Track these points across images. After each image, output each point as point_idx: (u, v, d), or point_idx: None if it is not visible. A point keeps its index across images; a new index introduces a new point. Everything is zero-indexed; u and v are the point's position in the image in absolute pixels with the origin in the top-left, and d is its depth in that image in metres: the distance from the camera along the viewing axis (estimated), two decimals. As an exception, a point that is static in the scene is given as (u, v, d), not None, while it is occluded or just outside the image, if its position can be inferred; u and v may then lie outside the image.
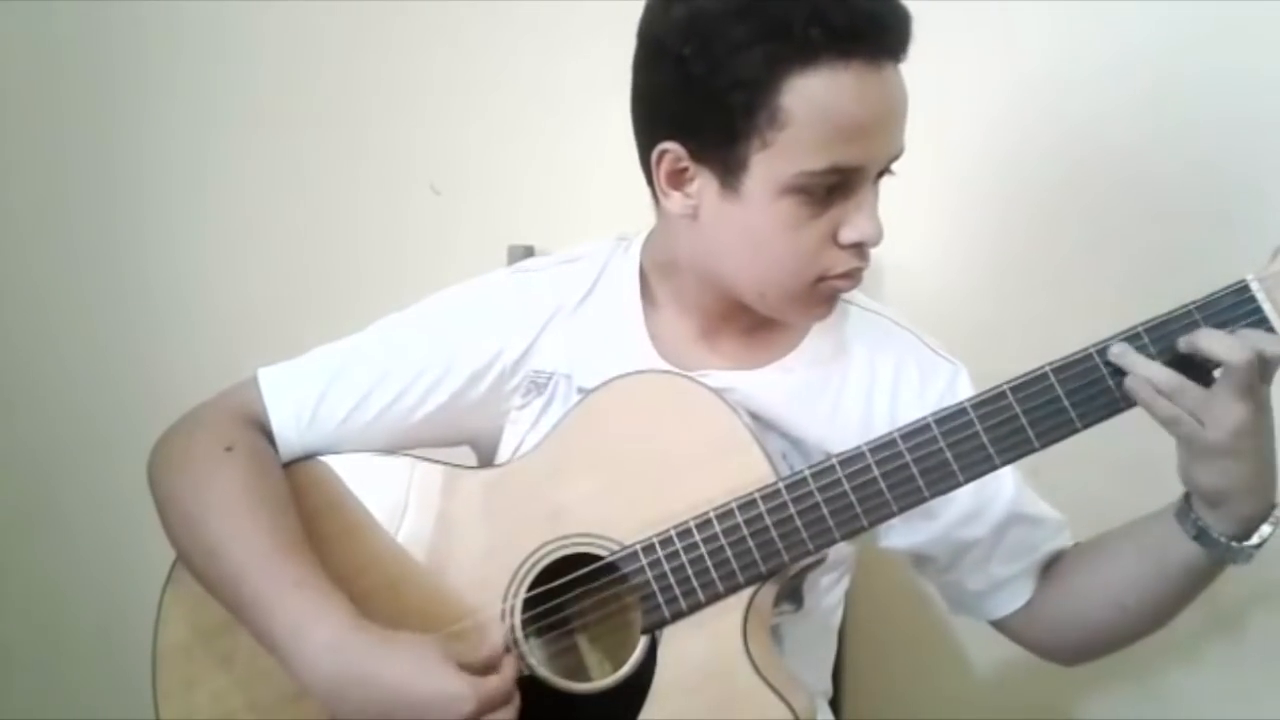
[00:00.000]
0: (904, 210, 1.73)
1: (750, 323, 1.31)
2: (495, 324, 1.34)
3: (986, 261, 1.77)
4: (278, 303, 2.05)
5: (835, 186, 1.16)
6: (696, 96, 1.16)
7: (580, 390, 1.30)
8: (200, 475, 1.26)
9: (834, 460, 1.16)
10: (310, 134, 2.03)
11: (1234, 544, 1.16)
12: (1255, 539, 1.16)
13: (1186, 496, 1.19)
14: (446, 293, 1.38)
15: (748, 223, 1.19)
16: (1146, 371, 1.11)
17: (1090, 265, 1.69)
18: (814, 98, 1.12)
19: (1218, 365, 1.10)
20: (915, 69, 1.71)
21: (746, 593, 1.17)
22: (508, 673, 1.17)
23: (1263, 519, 1.15)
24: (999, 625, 1.37)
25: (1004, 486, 1.30)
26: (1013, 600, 1.34)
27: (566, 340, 1.33)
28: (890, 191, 1.70)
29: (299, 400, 1.32)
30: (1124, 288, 1.62)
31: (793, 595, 1.32)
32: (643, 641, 1.19)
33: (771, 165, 1.15)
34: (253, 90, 2.05)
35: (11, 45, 2.13)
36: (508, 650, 1.21)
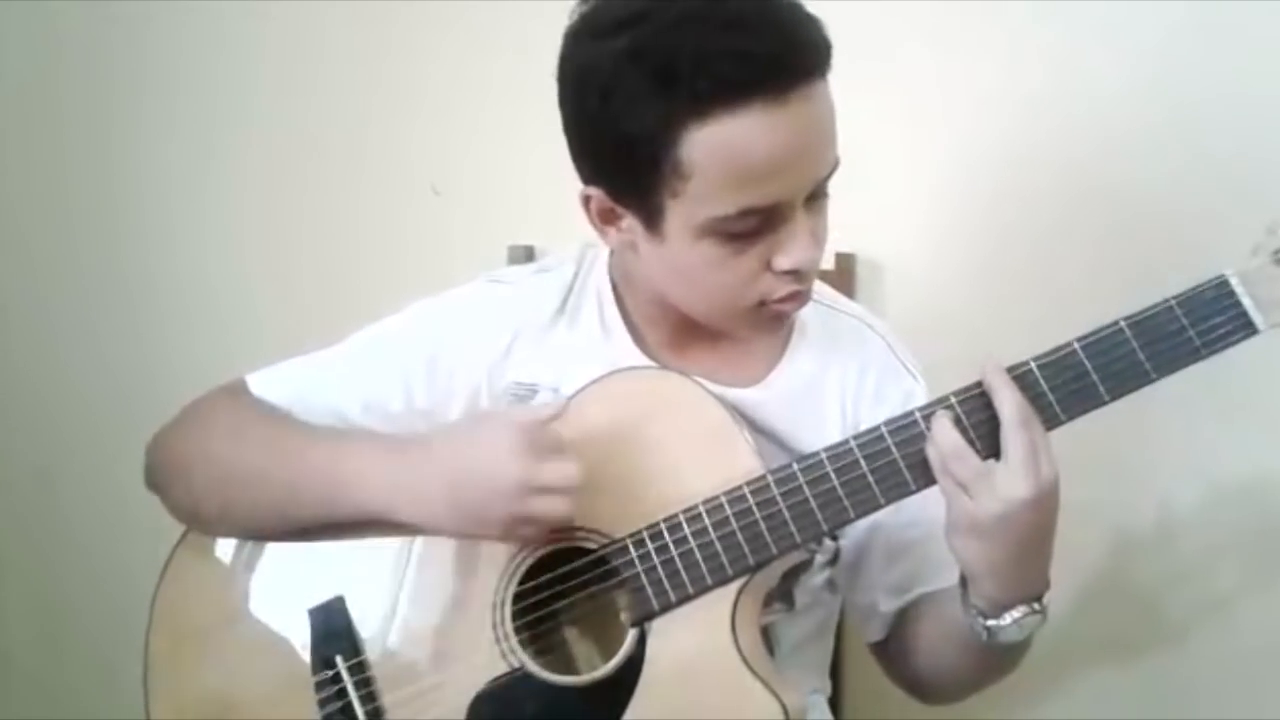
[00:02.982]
0: (904, 210, 1.75)
1: (718, 334, 1.30)
2: (470, 332, 1.35)
3: (985, 261, 1.76)
4: (278, 303, 2.06)
5: (758, 222, 1.15)
6: (604, 147, 1.16)
7: None
8: (216, 418, 1.31)
9: (822, 454, 1.16)
10: (310, 134, 2.04)
11: (978, 620, 1.16)
12: (1005, 620, 1.14)
13: None
14: (422, 303, 1.39)
15: (675, 261, 1.20)
16: (937, 435, 1.12)
17: (1089, 266, 1.69)
18: (714, 149, 1.10)
19: None
20: (918, 70, 1.72)
21: (735, 585, 1.17)
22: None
23: (1009, 605, 1.14)
24: (870, 648, 1.39)
25: (923, 504, 1.23)
26: (872, 633, 1.36)
27: (546, 352, 1.34)
28: (891, 191, 1.71)
29: (287, 401, 1.33)
30: (1122, 287, 1.59)
31: (784, 596, 1.31)
32: (632, 634, 1.19)
33: (685, 211, 1.14)
34: (253, 90, 2.06)
35: (11, 45, 2.14)
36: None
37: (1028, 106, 1.71)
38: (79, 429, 2.18)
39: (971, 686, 1.32)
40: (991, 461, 1.11)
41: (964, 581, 1.17)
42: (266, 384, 1.34)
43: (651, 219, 1.18)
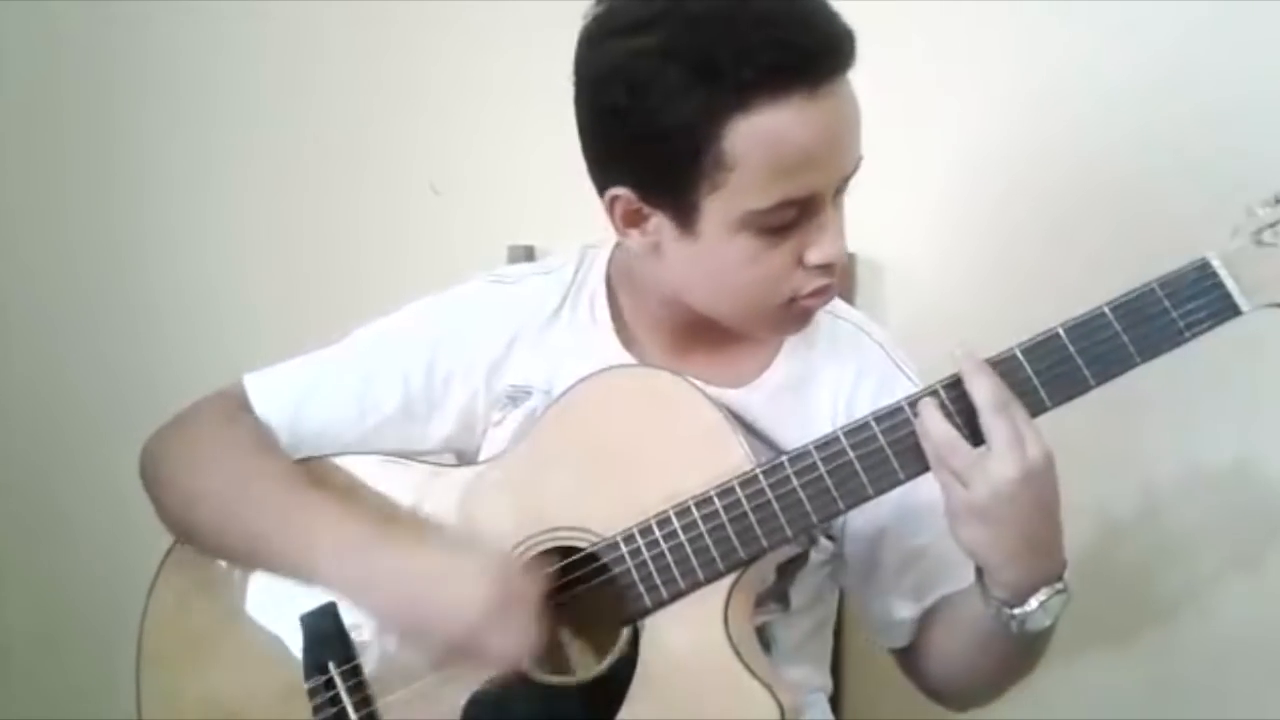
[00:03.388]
0: (904, 210, 1.74)
1: (719, 338, 1.30)
2: (470, 335, 1.35)
3: (985, 261, 1.76)
4: (278, 303, 2.06)
5: (793, 215, 1.15)
6: (638, 145, 1.15)
7: None
8: (209, 440, 1.30)
9: (810, 446, 1.16)
10: (310, 134, 2.04)
11: (1003, 609, 1.15)
12: (1031, 604, 1.13)
13: None
14: (423, 302, 1.39)
15: (708, 259, 1.19)
16: (927, 426, 1.12)
17: (1093, 268, 1.67)
18: (756, 139, 1.10)
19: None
20: (920, 69, 1.71)
21: (727, 581, 1.16)
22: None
23: (1031, 589, 1.14)
24: (892, 654, 1.38)
25: (929, 508, 1.23)
26: (894, 639, 1.35)
27: (542, 354, 1.34)
28: (891, 191, 1.70)
29: (283, 404, 1.34)
30: (1124, 286, 1.61)
31: (780, 596, 1.31)
32: (625, 632, 1.19)
33: (723, 205, 1.14)
34: (253, 90, 2.06)
35: (11, 45, 2.14)
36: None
37: (1031, 106, 1.70)
38: (79, 429, 2.18)
39: (998, 686, 1.31)
40: (983, 448, 1.11)
41: (980, 576, 1.17)
42: (264, 391, 1.34)
43: (684, 216, 1.17)
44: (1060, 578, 1.15)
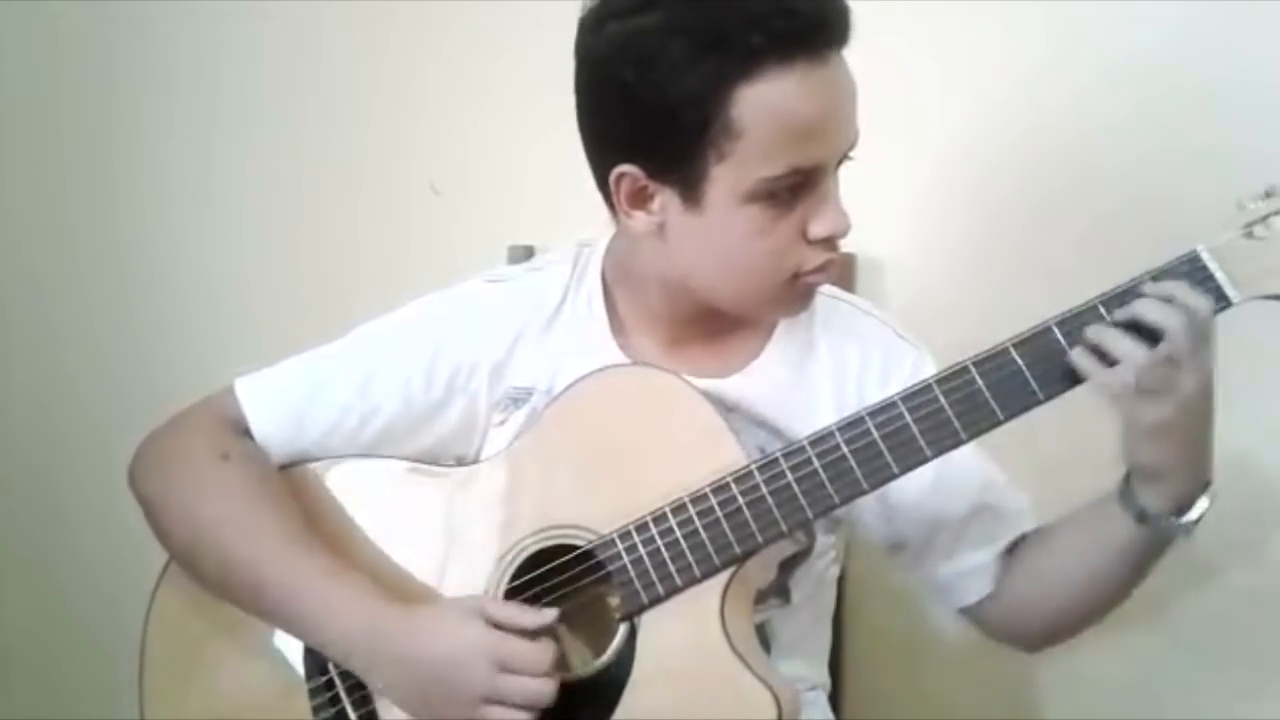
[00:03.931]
0: (902, 205, 1.74)
1: (715, 328, 1.31)
2: (472, 335, 1.35)
3: (981, 254, 1.75)
4: (278, 303, 2.05)
5: (797, 186, 1.16)
6: (646, 118, 1.16)
7: None
8: (202, 481, 1.28)
9: (804, 441, 1.16)
10: (310, 134, 2.04)
11: (1170, 519, 1.18)
12: (1194, 513, 1.18)
13: (1127, 477, 1.21)
14: (423, 302, 1.39)
15: (715, 234, 1.20)
16: (1112, 345, 1.12)
17: (1086, 259, 1.67)
18: (764, 105, 1.12)
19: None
20: (918, 65, 1.71)
21: (724, 576, 1.16)
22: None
23: (1195, 496, 1.18)
24: (966, 613, 1.37)
25: (970, 471, 1.30)
26: (978, 588, 1.34)
27: (544, 354, 1.34)
28: (889, 185, 1.70)
29: (281, 412, 1.33)
30: (1118, 273, 1.61)
31: (780, 590, 1.31)
32: (622, 629, 1.19)
33: (731, 175, 1.15)
34: (253, 90, 2.06)
35: (11, 45, 2.15)
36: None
37: (1029, 102, 1.69)
38: (79, 429, 2.18)
39: (1100, 612, 1.32)
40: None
41: (1131, 494, 1.19)
42: (261, 405, 1.33)
43: (691, 190, 1.18)
44: (1209, 483, 1.19)
